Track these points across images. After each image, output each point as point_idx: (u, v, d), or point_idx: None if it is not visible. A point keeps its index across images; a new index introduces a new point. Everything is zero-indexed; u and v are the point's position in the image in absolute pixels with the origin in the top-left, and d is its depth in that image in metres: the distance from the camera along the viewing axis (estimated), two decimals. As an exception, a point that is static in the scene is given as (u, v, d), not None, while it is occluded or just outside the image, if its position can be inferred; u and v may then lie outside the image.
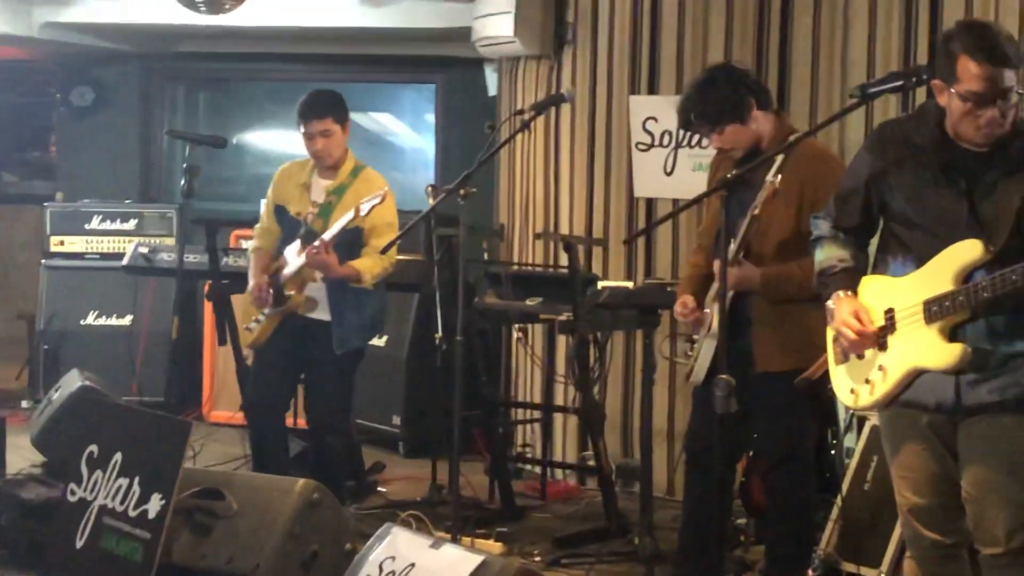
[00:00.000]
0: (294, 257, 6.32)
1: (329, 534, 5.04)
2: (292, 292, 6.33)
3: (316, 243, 6.12)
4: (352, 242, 6.25)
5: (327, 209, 6.33)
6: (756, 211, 4.75)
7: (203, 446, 7.65)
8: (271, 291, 6.36)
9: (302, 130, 6.36)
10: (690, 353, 5.24)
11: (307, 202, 6.41)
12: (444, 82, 10.16)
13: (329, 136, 6.33)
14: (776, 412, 5.06)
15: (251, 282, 6.47)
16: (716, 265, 4.95)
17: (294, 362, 6.42)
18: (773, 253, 4.97)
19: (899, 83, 4.18)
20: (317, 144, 6.33)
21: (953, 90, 3.87)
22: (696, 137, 6.69)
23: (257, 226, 6.68)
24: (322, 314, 6.33)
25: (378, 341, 8.33)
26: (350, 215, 6.07)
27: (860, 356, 4.15)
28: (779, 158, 4.83)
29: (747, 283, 4.94)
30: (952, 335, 3.93)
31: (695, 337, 5.23)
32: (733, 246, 4.85)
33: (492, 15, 8.03)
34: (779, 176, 4.69)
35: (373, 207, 6.05)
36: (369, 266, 6.24)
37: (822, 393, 4.94)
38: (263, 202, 6.67)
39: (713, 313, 5.03)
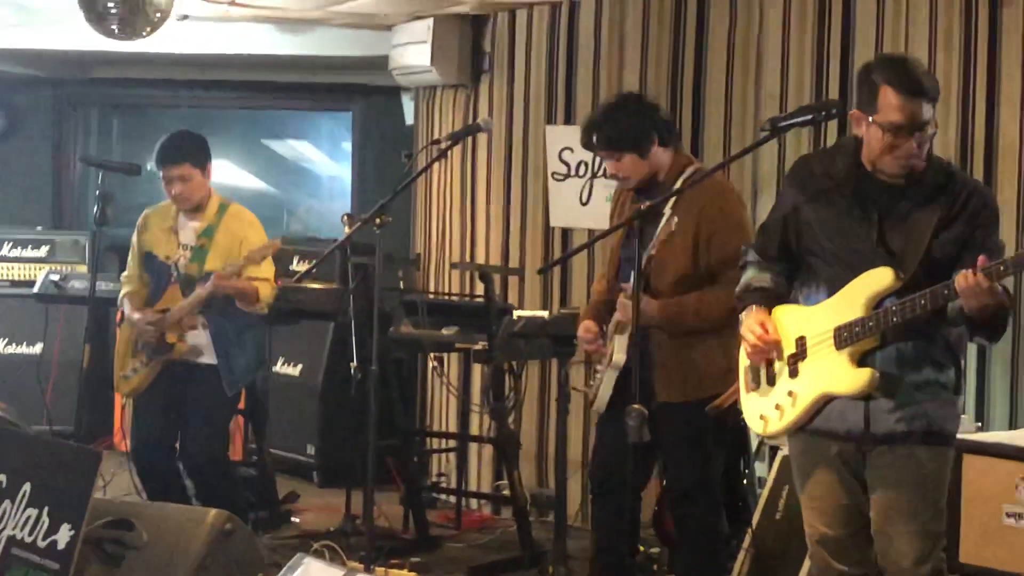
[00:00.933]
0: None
1: (241, 564, 4.99)
2: (174, 340, 6.23)
3: (219, 274, 6.08)
4: None
5: (201, 253, 6.24)
6: (653, 252, 4.79)
7: (114, 476, 7.55)
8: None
9: (160, 174, 6.27)
10: (592, 382, 5.24)
11: (175, 245, 6.31)
12: (361, 110, 10.15)
13: (187, 181, 6.22)
14: (680, 442, 5.06)
15: (135, 316, 6.29)
16: (619, 298, 4.98)
17: (174, 403, 6.28)
18: (671, 287, 4.98)
19: (810, 117, 4.23)
20: (174, 189, 6.23)
21: (873, 120, 3.92)
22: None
23: (124, 274, 6.53)
24: (207, 358, 6.23)
25: (292, 370, 8.30)
26: (241, 262, 6.05)
27: (770, 381, 4.18)
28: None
29: (646, 317, 4.94)
30: (861, 362, 3.97)
31: (597, 367, 5.24)
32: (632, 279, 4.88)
33: (409, 44, 8.06)
34: (675, 219, 4.74)
35: (265, 257, 6.06)
36: (263, 291, 6.21)
37: (729, 421, 4.98)
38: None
39: (613, 344, 5.05)
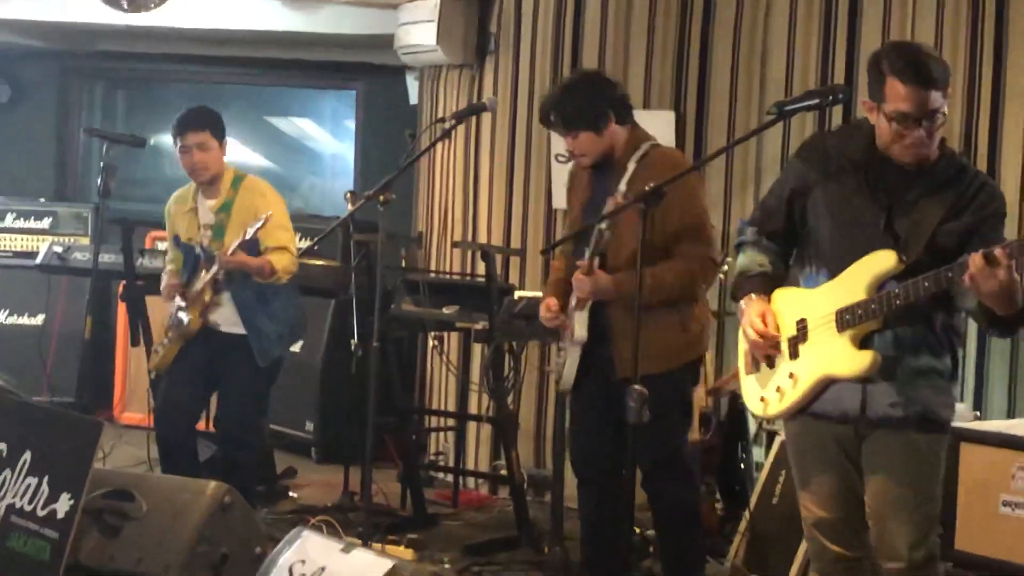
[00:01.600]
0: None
1: (239, 537, 5.01)
2: (193, 317, 6.23)
3: (225, 253, 6.07)
4: (251, 254, 6.19)
5: (220, 229, 6.21)
6: (603, 227, 4.77)
7: (114, 447, 7.60)
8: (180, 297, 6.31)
9: (179, 144, 6.23)
10: (558, 359, 5.23)
11: (196, 227, 6.30)
12: (365, 89, 10.15)
13: (206, 150, 6.20)
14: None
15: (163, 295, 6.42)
16: (575, 276, 4.97)
17: (208, 372, 6.29)
18: (627, 262, 4.93)
19: (816, 101, 4.22)
20: (193, 157, 6.19)
21: (881, 110, 3.93)
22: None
23: (167, 257, 6.58)
24: (237, 327, 6.22)
25: (293, 347, 8.32)
26: (240, 238, 6.03)
27: (770, 364, 4.18)
28: (631, 168, 4.97)
29: (602, 292, 4.95)
30: (863, 345, 3.98)
31: (560, 345, 5.23)
32: (587, 255, 4.90)
33: (415, 23, 8.06)
34: (628, 193, 4.75)
35: (257, 230, 6.02)
36: (280, 261, 6.20)
37: (687, 392, 5.03)
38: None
39: (575, 320, 5.06)
